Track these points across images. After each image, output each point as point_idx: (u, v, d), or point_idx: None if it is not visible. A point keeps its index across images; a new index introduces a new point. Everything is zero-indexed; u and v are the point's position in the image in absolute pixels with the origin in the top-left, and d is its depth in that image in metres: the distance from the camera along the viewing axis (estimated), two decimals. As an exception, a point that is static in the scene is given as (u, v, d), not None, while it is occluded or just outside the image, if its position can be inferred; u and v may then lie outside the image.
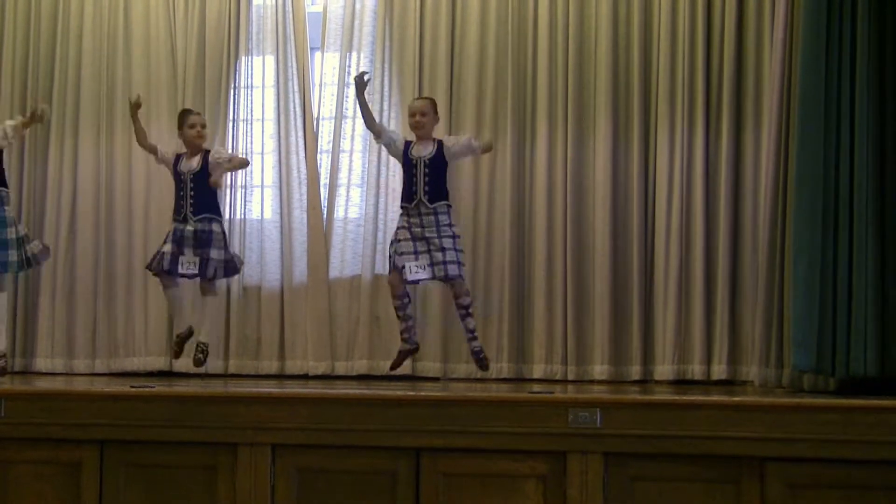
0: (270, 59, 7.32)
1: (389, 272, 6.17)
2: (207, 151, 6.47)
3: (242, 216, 7.25)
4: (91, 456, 5.04)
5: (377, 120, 6.43)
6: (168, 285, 6.47)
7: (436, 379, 6.78)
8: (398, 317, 6.26)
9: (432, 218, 5.97)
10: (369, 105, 6.25)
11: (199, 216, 6.34)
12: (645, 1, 6.82)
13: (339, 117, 7.19)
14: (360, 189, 7.18)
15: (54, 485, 5.08)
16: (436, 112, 6.20)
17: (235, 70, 7.34)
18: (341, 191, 7.19)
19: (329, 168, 7.20)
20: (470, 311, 6.16)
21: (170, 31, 7.43)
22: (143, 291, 7.29)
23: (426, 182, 5.93)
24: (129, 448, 5.03)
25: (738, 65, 6.65)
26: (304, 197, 7.21)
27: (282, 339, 7.17)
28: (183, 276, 6.38)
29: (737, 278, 6.57)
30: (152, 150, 6.56)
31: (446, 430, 4.77)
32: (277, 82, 7.27)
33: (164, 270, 6.35)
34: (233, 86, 7.34)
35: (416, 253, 5.93)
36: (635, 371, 6.66)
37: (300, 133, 7.26)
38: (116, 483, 5.03)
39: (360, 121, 7.14)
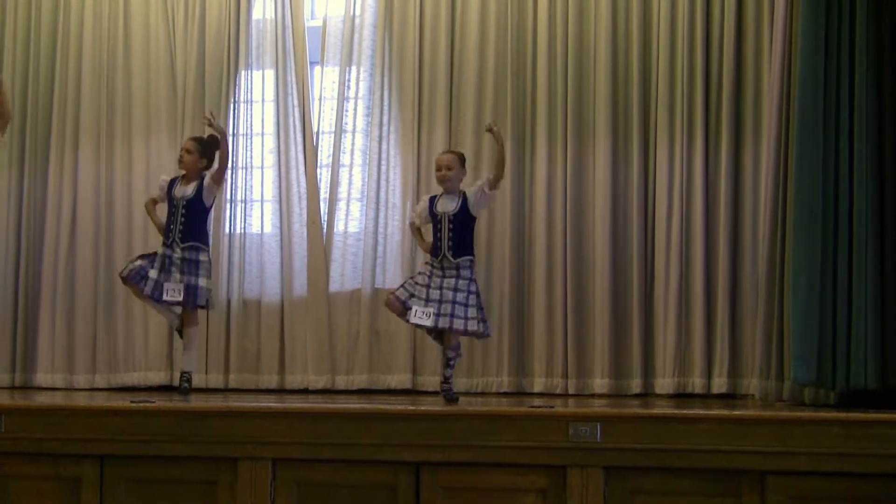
0: (270, 74, 7.33)
1: (395, 293, 5.98)
2: (202, 179, 6.23)
3: (242, 230, 7.26)
4: (91, 471, 5.04)
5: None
6: (141, 296, 6.27)
7: (436, 393, 6.76)
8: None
9: (454, 272, 5.89)
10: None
11: (186, 244, 6.16)
12: (643, 14, 6.83)
13: (339, 132, 7.19)
14: (360, 203, 7.18)
15: (54, 500, 5.08)
16: (462, 166, 6.05)
17: (235, 84, 7.35)
18: (341, 205, 7.19)
19: (329, 182, 7.20)
20: (451, 363, 5.98)
21: (169, 45, 7.44)
22: (143, 306, 7.26)
23: (450, 238, 5.88)
24: (129, 463, 5.03)
25: (737, 77, 6.64)
26: (304, 211, 7.21)
27: (282, 353, 7.16)
28: (167, 303, 6.18)
29: (737, 291, 6.56)
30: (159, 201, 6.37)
31: (446, 444, 4.77)
32: (277, 97, 7.28)
33: (148, 296, 6.16)
34: (232, 100, 7.35)
35: (427, 300, 5.86)
36: (636, 384, 6.64)
37: (300, 147, 7.26)
38: (116, 498, 5.03)
39: (359, 135, 7.21)
